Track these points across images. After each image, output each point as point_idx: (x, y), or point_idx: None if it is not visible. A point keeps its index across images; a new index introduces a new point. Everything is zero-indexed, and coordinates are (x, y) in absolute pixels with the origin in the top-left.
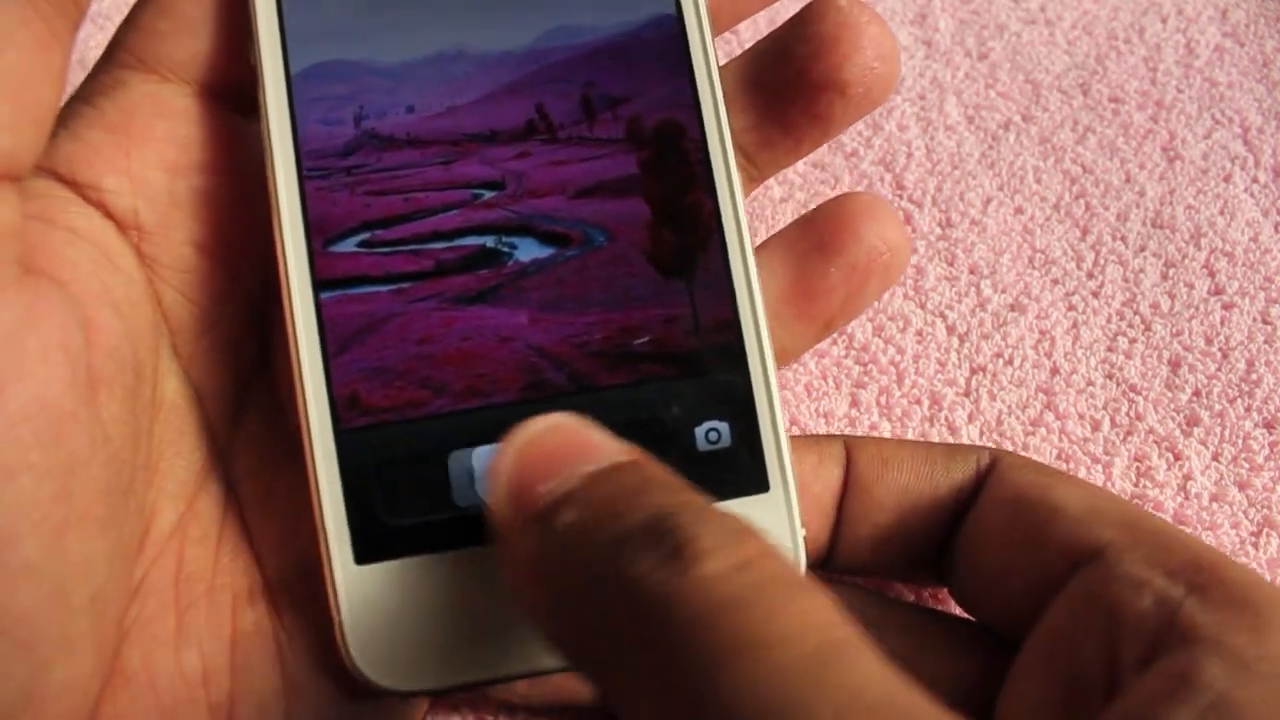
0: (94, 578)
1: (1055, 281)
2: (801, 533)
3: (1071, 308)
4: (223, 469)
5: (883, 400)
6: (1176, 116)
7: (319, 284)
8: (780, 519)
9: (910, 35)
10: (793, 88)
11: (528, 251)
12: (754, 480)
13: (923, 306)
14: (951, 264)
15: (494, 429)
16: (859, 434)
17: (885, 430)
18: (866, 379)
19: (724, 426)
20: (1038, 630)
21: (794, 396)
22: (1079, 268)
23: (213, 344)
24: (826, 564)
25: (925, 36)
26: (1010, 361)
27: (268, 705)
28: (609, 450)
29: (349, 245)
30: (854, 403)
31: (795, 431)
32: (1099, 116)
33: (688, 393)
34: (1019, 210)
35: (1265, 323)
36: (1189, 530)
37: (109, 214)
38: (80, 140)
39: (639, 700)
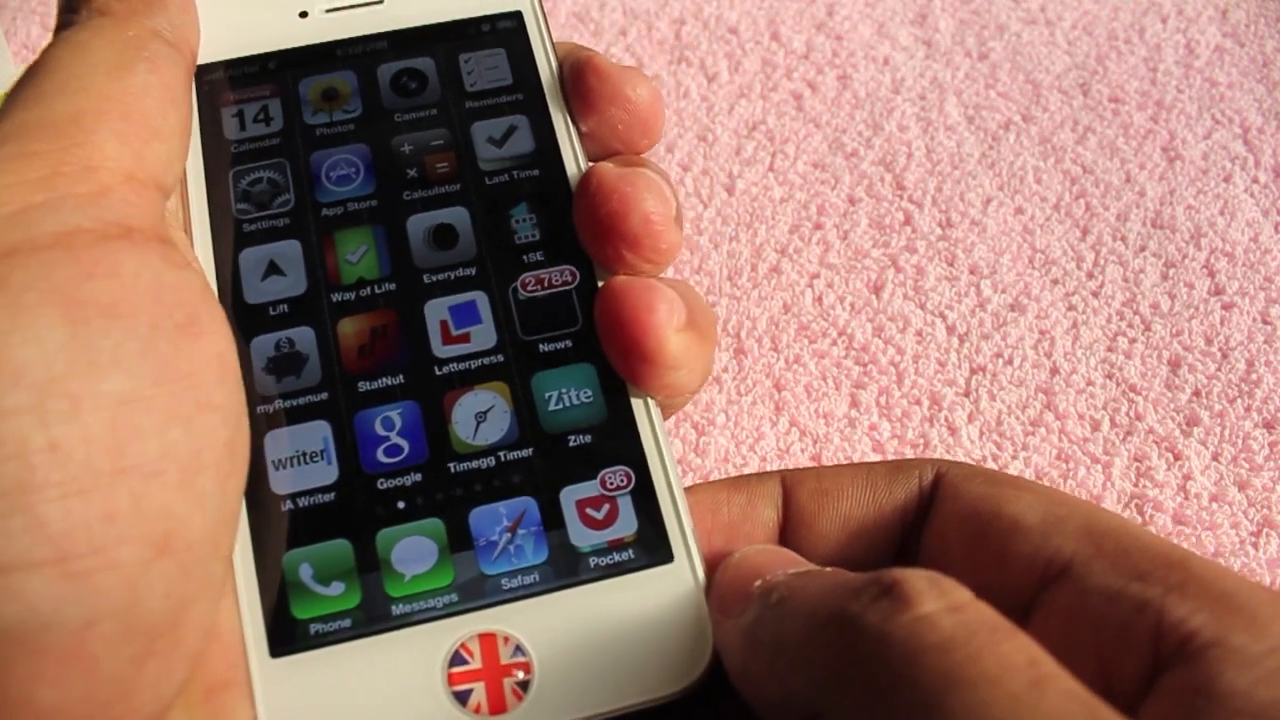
0: (232, 531)
1: (1055, 281)
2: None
3: (1071, 308)
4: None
5: (883, 400)
6: (1176, 116)
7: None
8: (686, 587)
9: (910, 35)
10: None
11: None
12: (656, 550)
13: (923, 306)
14: (951, 264)
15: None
16: (830, 446)
17: (885, 430)
18: (866, 379)
19: (620, 504)
20: None
21: (794, 398)
22: (1079, 268)
23: None
24: None
25: (925, 36)
26: (1010, 361)
27: None
28: (806, 563)
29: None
30: (854, 403)
31: (794, 434)
32: (1099, 116)
33: (573, 465)
34: (1019, 210)
35: (1265, 323)
36: (1189, 530)
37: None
38: None
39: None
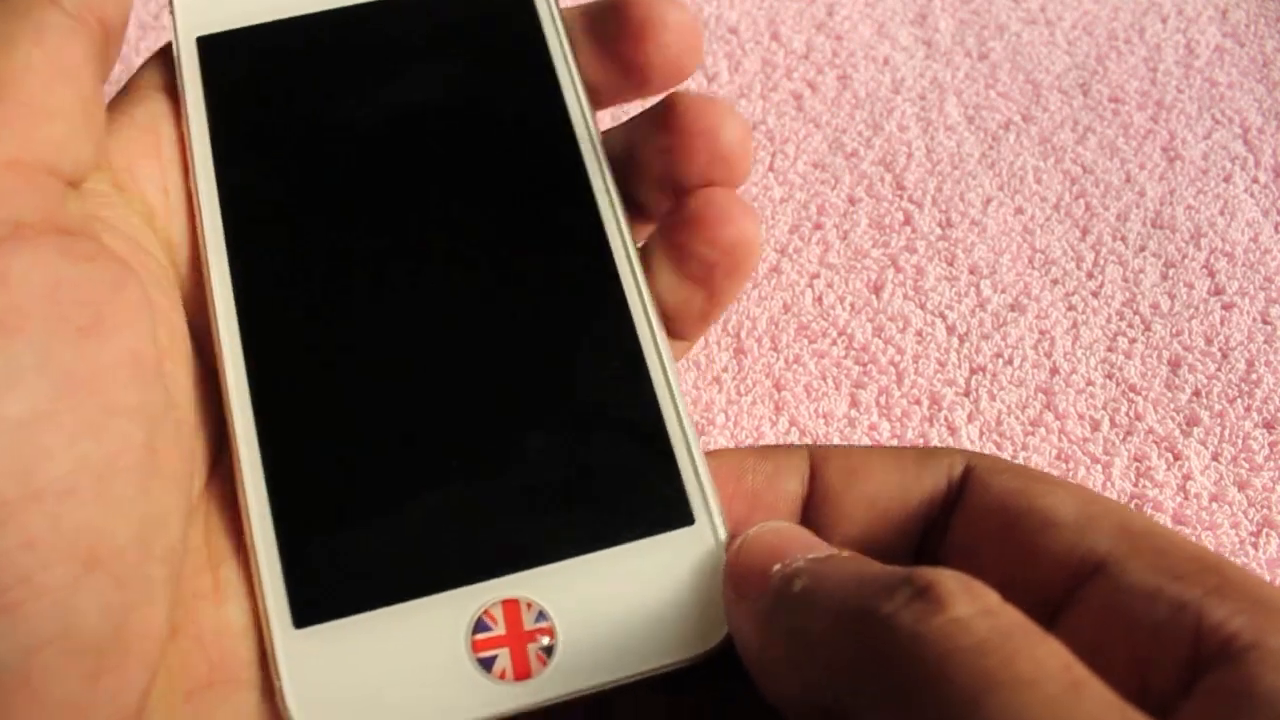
0: (170, 530)
1: (1055, 281)
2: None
3: (1071, 308)
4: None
5: (882, 400)
6: (1176, 116)
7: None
8: (708, 550)
9: (910, 35)
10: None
11: None
12: (677, 513)
13: (923, 306)
14: (951, 264)
15: (424, 480)
16: (834, 443)
17: (885, 430)
18: (866, 379)
19: (638, 459)
20: None
21: (794, 398)
22: (1079, 268)
23: None
24: None
25: (925, 36)
26: (1010, 361)
27: None
28: (825, 547)
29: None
30: (854, 403)
31: (794, 434)
32: (1099, 116)
33: (594, 430)
34: (1019, 210)
35: (1265, 323)
36: (1188, 530)
37: (142, 199)
38: (115, 135)
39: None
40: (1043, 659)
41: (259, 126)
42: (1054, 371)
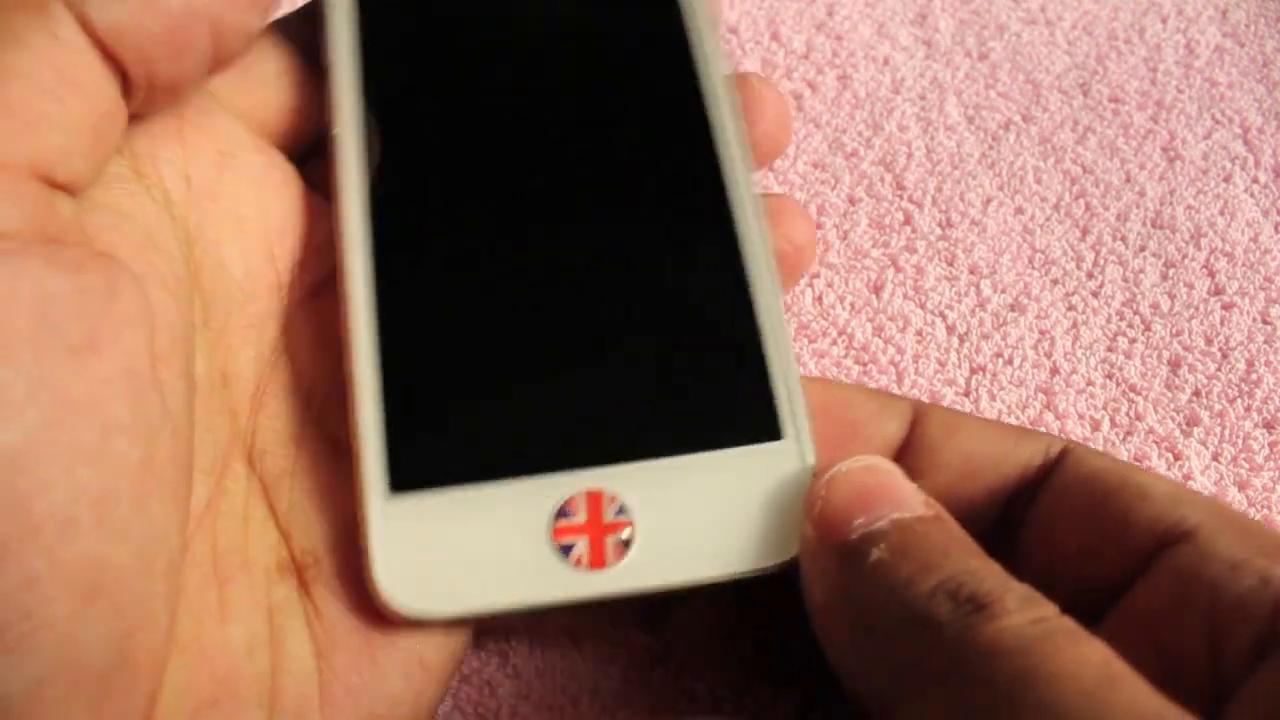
0: (170, 544)
1: (1055, 281)
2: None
3: (1071, 308)
4: (244, 447)
5: None
6: (1176, 116)
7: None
8: (794, 467)
9: (910, 35)
10: None
11: None
12: (765, 428)
13: (923, 306)
14: (951, 264)
15: (519, 367)
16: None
17: None
18: (866, 379)
19: (733, 374)
20: (1121, 611)
21: None
22: (1079, 268)
23: (239, 323)
24: None
25: (925, 36)
26: (1010, 361)
27: (305, 675)
28: (915, 501)
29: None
30: None
31: None
32: (1099, 116)
33: (695, 340)
34: (1019, 210)
35: (1265, 323)
36: None
37: (161, 186)
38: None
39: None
40: (1083, 654)
41: (403, 71)
42: (1054, 371)
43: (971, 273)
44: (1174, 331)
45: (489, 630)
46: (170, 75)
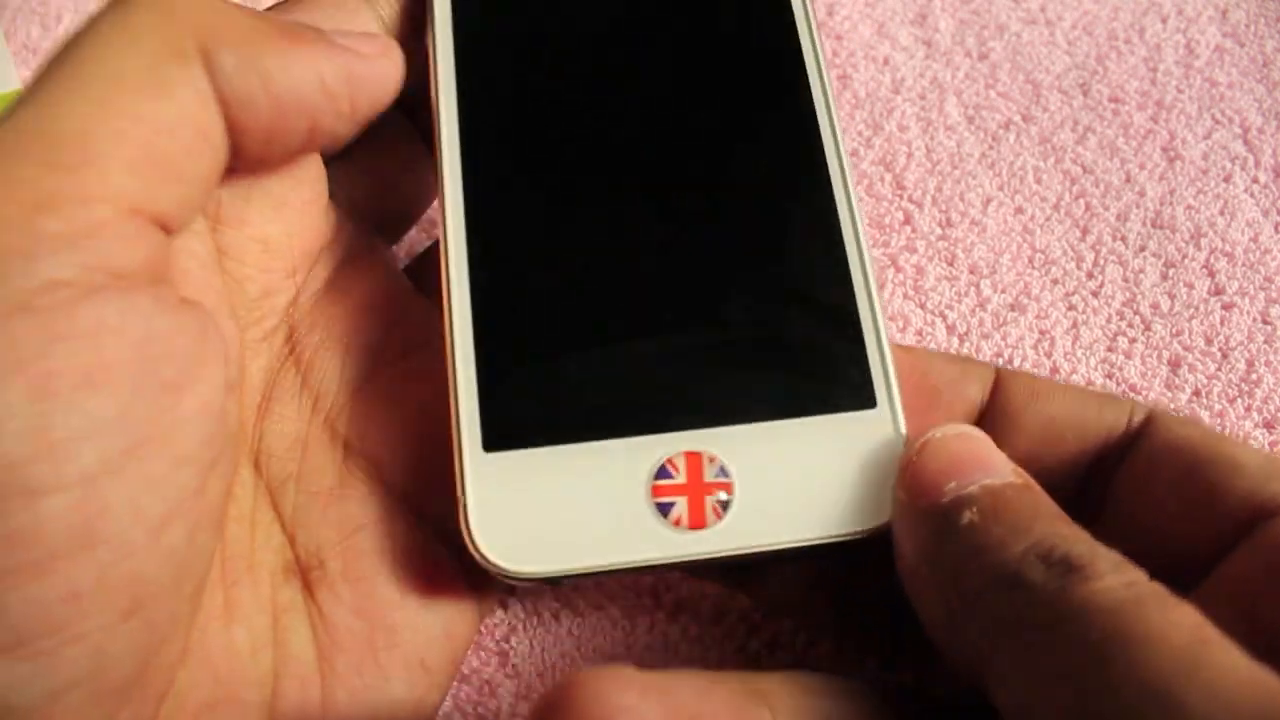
0: (201, 570)
1: (1055, 281)
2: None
3: (1071, 308)
4: (251, 451)
5: None
6: (1176, 116)
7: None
8: (886, 435)
9: (910, 35)
10: None
11: None
12: (861, 396)
13: (923, 306)
14: (951, 264)
15: (623, 331)
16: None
17: None
18: None
19: (829, 343)
20: (1213, 582)
21: None
22: (1079, 268)
23: (253, 338)
24: None
25: (925, 36)
26: (1010, 361)
27: (307, 677)
28: (1005, 468)
29: None
30: None
31: None
32: (1099, 116)
33: (795, 310)
34: (1019, 210)
35: (1265, 323)
36: None
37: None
38: None
39: (1023, 681)
40: (1175, 618)
41: (503, 44)
42: (1054, 371)
43: (971, 273)
44: (1174, 331)
45: (494, 625)
46: (258, 152)
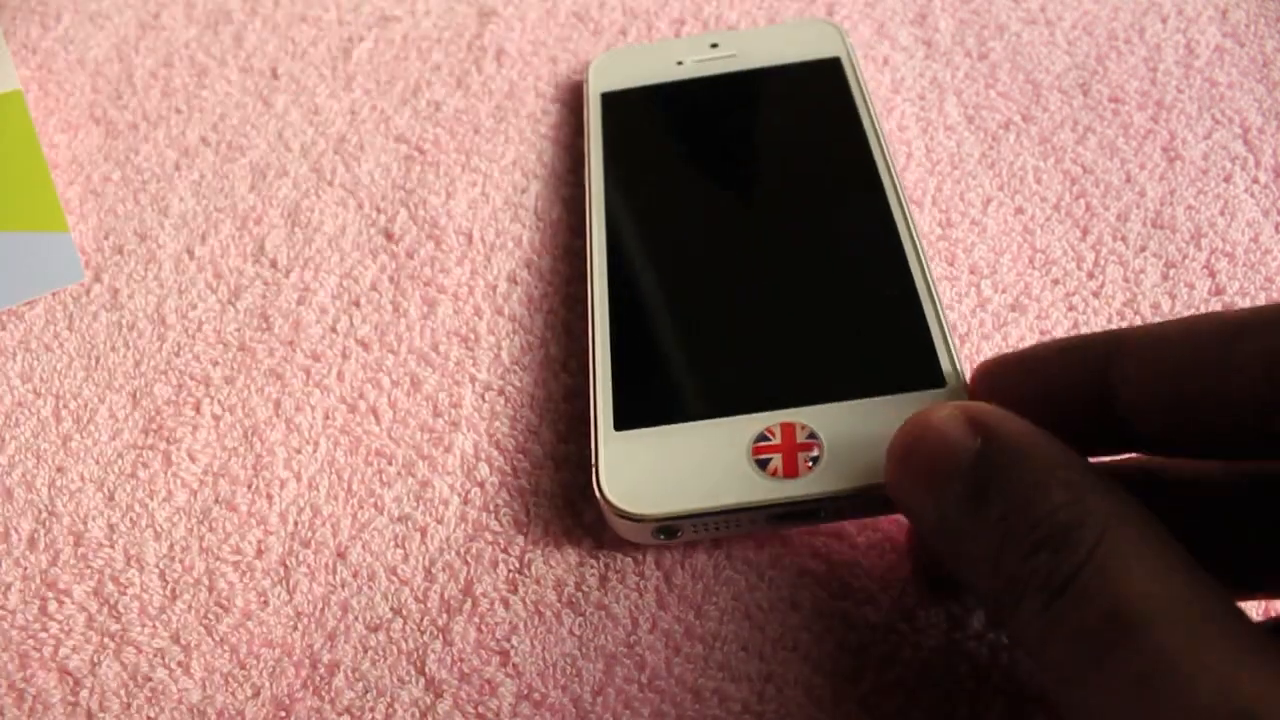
0: None
1: (1055, 281)
2: None
3: (1072, 308)
4: None
5: None
6: (1176, 116)
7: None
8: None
9: (910, 35)
10: None
11: None
12: (931, 377)
13: None
14: (951, 264)
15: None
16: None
17: None
18: None
19: (902, 337)
20: None
21: None
22: (1079, 268)
23: None
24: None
25: (925, 36)
26: None
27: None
28: (975, 442)
29: None
30: None
31: None
32: (1099, 116)
33: (872, 311)
34: (1019, 210)
35: None
36: None
37: None
38: None
39: (1037, 626)
40: (1178, 584)
41: (638, 147)
42: None
43: (971, 273)
44: None
45: (495, 624)
46: None
